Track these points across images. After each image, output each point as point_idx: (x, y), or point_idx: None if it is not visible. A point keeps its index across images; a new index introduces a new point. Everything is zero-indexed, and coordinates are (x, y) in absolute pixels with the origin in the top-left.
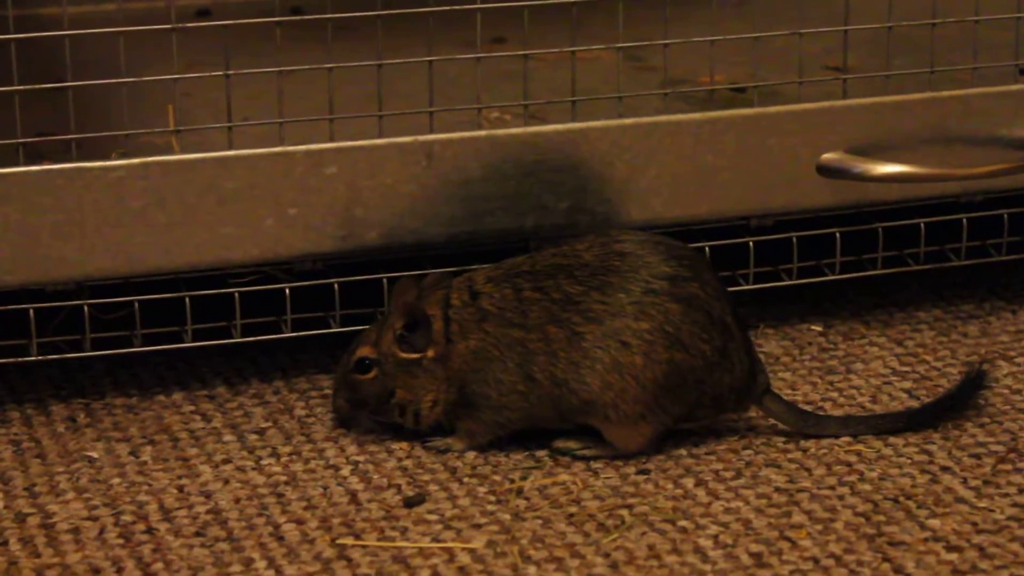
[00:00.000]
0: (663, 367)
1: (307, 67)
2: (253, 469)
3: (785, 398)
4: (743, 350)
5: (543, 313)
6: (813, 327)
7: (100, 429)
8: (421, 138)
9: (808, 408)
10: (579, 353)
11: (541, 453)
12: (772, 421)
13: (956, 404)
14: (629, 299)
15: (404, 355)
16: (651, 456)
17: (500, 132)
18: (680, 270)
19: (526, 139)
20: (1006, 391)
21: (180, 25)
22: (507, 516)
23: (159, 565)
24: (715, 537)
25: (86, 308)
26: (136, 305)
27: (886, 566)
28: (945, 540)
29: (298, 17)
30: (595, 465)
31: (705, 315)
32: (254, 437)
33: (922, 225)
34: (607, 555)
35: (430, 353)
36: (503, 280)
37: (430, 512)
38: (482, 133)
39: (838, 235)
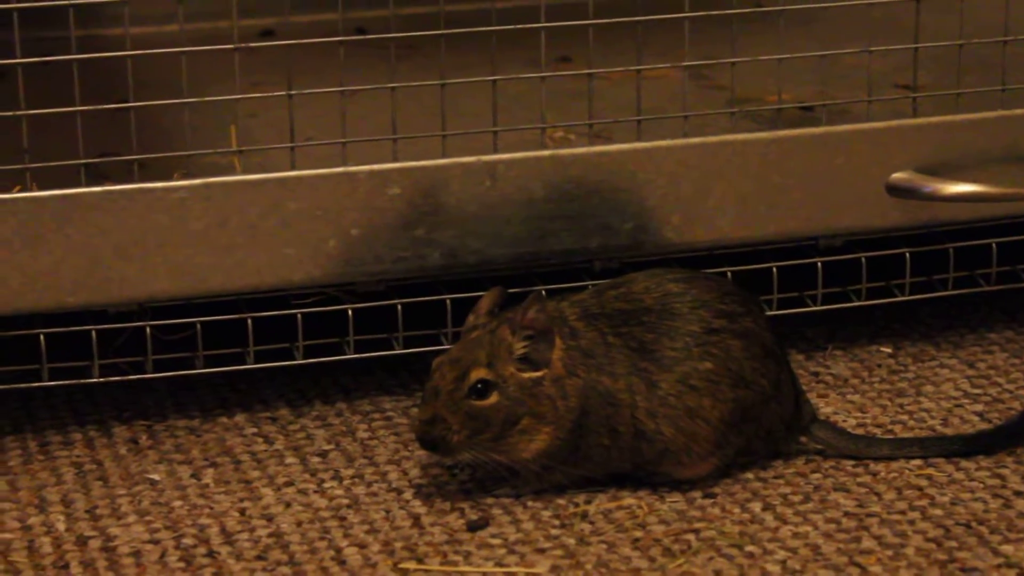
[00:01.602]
0: (729, 405)
1: (370, 87)
2: (315, 492)
3: (836, 423)
4: (790, 381)
5: (626, 362)
6: (883, 348)
7: (162, 451)
8: (485, 158)
9: (878, 431)
10: (656, 402)
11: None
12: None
13: (1017, 433)
14: (695, 341)
15: (527, 375)
16: (718, 480)
17: (564, 152)
18: (734, 306)
19: (590, 159)
20: None
21: (242, 45)
22: (571, 540)
23: None
24: (783, 563)
25: (148, 329)
26: (198, 326)
27: None
28: (1019, 566)
29: (361, 36)
30: (661, 489)
31: (761, 348)
32: (316, 460)
33: (994, 245)
34: None
35: (550, 373)
36: (588, 320)
37: (493, 536)
38: (546, 153)
39: (908, 255)
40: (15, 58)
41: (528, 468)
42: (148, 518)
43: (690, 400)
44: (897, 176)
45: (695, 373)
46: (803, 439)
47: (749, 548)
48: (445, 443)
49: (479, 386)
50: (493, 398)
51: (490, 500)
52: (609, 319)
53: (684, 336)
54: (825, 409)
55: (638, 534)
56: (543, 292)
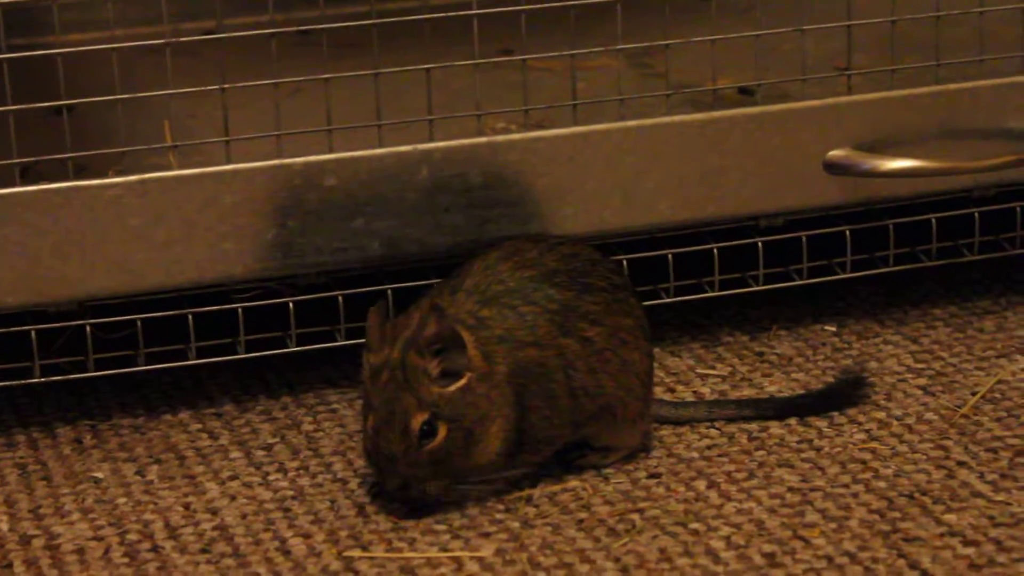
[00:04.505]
0: (647, 359)
1: (303, 78)
2: (260, 485)
3: None
4: None
5: (550, 326)
6: (826, 327)
7: (106, 450)
8: (421, 146)
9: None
10: (594, 358)
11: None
12: (784, 423)
13: (830, 401)
14: (612, 297)
15: (453, 388)
16: (662, 459)
17: (500, 139)
18: (614, 264)
19: (527, 145)
20: (1023, 385)
21: (174, 40)
22: (516, 524)
23: None
24: (727, 538)
25: (88, 328)
26: (139, 324)
27: (901, 562)
28: (961, 535)
29: (292, 28)
30: (606, 471)
31: (640, 305)
32: (261, 453)
33: (933, 220)
34: (618, 560)
35: (472, 374)
36: (489, 303)
37: (438, 522)
38: (482, 140)
39: (848, 233)
40: None
41: (494, 464)
42: (92, 516)
43: (624, 354)
44: (835, 154)
45: (622, 328)
46: None
47: (693, 525)
48: (428, 496)
49: (425, 428)
50: (442, 431)
51: None
52: (518, 293)
53: (601, 292)
54: (770, 388)
55: (583, 515)
56: (438, 304)
